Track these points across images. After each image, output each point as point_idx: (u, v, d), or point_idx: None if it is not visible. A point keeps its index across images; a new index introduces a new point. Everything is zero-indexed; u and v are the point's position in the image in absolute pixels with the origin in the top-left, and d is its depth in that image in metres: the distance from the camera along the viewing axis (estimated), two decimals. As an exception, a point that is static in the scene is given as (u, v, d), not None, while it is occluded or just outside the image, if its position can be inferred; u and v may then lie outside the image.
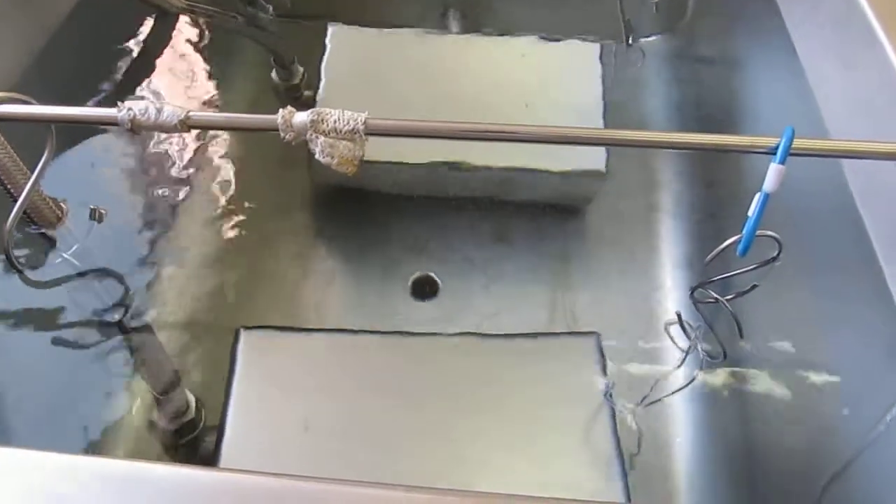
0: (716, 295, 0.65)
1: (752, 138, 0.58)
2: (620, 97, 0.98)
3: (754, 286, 0.65)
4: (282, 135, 0.58)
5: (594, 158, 0.89)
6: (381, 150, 0.87)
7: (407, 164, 0.88)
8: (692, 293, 0.65)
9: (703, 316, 0.68)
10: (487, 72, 0.93)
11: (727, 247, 0.62)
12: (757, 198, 0.61)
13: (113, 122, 0.58)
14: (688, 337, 0.71)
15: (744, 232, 0.61)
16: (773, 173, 0.56)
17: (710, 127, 0.98)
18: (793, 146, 0.56)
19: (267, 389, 0.79)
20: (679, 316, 0.70)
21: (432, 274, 0.90)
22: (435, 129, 0.57)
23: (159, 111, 0.57)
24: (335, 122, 0.56)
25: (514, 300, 0.88)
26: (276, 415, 0.77)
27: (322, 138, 0.56)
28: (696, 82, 1.03)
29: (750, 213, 0.61)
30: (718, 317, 0.72)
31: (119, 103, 0.58)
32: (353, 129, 0.56)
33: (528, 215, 0.94)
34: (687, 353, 0.71)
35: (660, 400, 0.74)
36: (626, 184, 0.95)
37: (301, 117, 0.57)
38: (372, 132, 0.57)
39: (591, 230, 0.95)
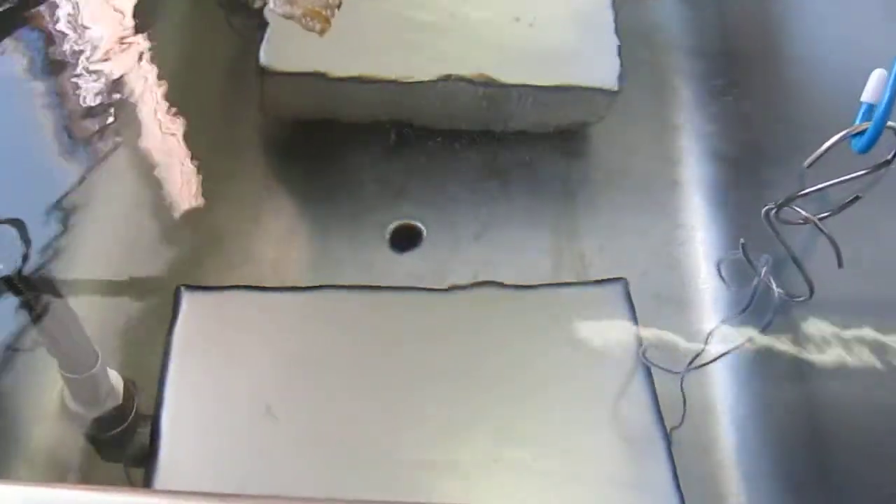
0: (806, 214, 0.45)
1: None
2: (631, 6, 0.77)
3: (857, 198, 0.45)
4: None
5: (604, 72, 0.69)
6: (343, 63, 0.66)
7: (376, 78, 0.67)
8: (777, 211, 0.46)
9: (784, 243, 0.48)
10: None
11: (840, 140, 0.41)
12: (876, 75, 0.41)
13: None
14: (756, 272, 0.50)
15: (861, 117, 0.41)
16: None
17: (738, 45, 0.78)
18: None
19: (216, 365, 0.59)
20: (744, 247, 0.50)
21: (413, 220, 0.71)
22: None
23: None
24: (291, -42, 0.35)
25: (511, 248, 0.70)
26: (229, 397, 0.57)
27: (272, -17, 0.34)
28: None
29: (866, 97, 0.42)
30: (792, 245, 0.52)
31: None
32: (317, -31, 0.35)
33: (523, 145, 0.75)
34: (754, 293, 0.51)
35: (715, 360, 0.54)
36: (636, 102, 0.76)
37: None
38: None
39: (598, 160, 0.76)
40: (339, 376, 0.59)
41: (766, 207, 0.47)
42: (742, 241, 0.50)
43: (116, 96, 0.72)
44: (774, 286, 0.50)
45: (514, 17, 0.72)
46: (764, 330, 0.51)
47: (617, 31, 0.71)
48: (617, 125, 0.74)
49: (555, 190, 0.73)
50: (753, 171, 0.70)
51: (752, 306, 0.52)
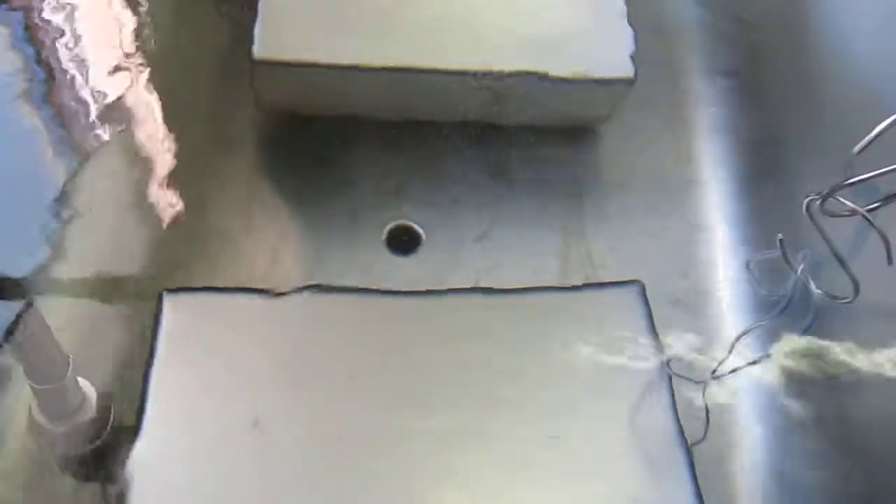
0: (853, 205, 0.40)
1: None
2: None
3: (909, 189, 0.40)
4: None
5: (618, 60, 0.64)
6: (340, 51, 0.61)
7: (374, 67, 0.61)
8: (822, 201, 0.40)
9: (826, 238, 0.42)
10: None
11: (892, 125, 0.36)
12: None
13: None
14: (793, 270, 0.45)
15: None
16: None
17: (758, 34, 0.72)
18: None
19: (202, 374, 0.53)
20: (781, 244, 0.45)
21: (413, 222, 0.65)
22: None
23: None
24: None
25: (516, 251, 0.64)
26: (216, 410, 0.52)
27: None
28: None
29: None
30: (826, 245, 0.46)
31: None
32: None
33: (529, 142, 0.69)
34: (792, 294, 0.46)
35: (742, 367, 0.49)
36: (649, 95, 0.70)
37: None
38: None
39: (609, 157, 0.70)
40: (335, 386, 0.53)
41: (809, 198, 0.41)
42: (780, 236, 0.44)
43: (98, 90, 0.66)
44: (814, 286, 0.44)
45: (523, 3, 0.66)
46: (800, 336, 0.45)
47: (630, 19, 0.66)
48: (628, 120, 0.69)
49: (563, 189, 0.68)
50: (776, 167, 0.65)
51: (788, 309, 0.46)
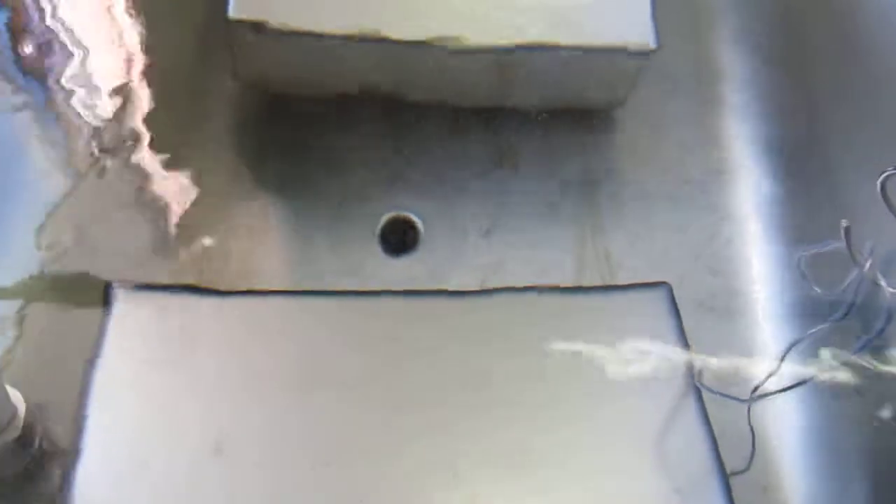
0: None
1: None
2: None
3: None
4: None
5: (636, 29, 0.56)
6: (330, 18, 0.53)
7: (368, 36, 0.53)
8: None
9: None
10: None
11: None
12: None
13: None
14: (856, 263, 0.35)
15: None
16: None
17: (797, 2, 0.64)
18: None
19: (155, 387, 0.44)
20: (847, 232, 0.35)
21: (410, 213, 0.58)
22: None
23: None
24: None
25: (524, 246, 0.57)
26: (171, 428, 0.43)
27: None
28: None
29: None
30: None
31: None
32: None
33: (538, 125, 0.61)
34: (856, 293, 0.36)
35: (798, 384, 0.40)
36: (672, 72, 0.63)
37: None
38: None
39: (627, 142, 0.62)
40: (313, 403, 0.45)
41: (886, 174, 0.32)
42: (845, 223, 0.35)
43: (62, 63, 0.59)
44: (885, 283, 0.35)
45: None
46: (867, 345, 0.35)
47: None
48: (648, 100, 0.62)
49: (576, 177, 0.60)
50: (816, 151, 0.58)
51: (851, 312, 0.37)
